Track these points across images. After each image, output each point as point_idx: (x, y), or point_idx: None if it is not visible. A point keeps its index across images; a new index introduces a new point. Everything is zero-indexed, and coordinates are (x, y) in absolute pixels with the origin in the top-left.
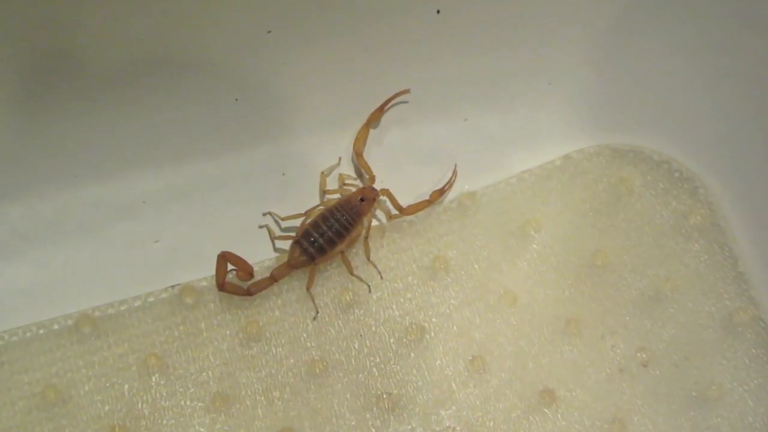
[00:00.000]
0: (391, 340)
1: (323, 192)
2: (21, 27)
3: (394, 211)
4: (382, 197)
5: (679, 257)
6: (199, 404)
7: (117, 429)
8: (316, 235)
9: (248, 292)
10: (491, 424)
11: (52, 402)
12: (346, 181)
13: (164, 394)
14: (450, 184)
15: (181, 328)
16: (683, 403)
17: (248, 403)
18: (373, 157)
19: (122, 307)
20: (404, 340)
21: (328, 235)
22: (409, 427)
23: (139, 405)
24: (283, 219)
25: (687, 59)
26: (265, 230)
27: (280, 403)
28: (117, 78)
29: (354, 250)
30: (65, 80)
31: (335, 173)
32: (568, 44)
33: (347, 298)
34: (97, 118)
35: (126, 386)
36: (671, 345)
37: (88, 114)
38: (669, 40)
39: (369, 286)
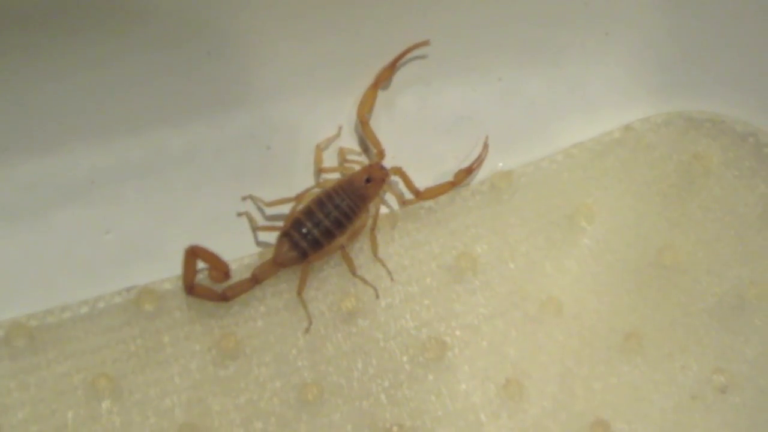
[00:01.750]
0: (404, 359)
1: (319, 171)
2: None
3: (409, 195)
4: (393, 177)
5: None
6: None
7: None
8: (309, 225)
9: (223, 297)
10: None
11: None
12: (348, 157)
13: (117, 424)
14: (479, 161)
15: (139, 342)
16: None
17: None
18: (382, 126)
19: (65, 315)
20: (420, 358)
21: (325, 225)
22: None
23: None
24: (267, 205)
25: None
26: (244, 219)
27: None
28: (51, 20)
29: (357, 245)
30: None
31: (334, 147)
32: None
33: (349, 305)
34: (30, 77)
35: (70, 414)
36: (756, 365)
37: (17, 70)
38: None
39: (376, 290)
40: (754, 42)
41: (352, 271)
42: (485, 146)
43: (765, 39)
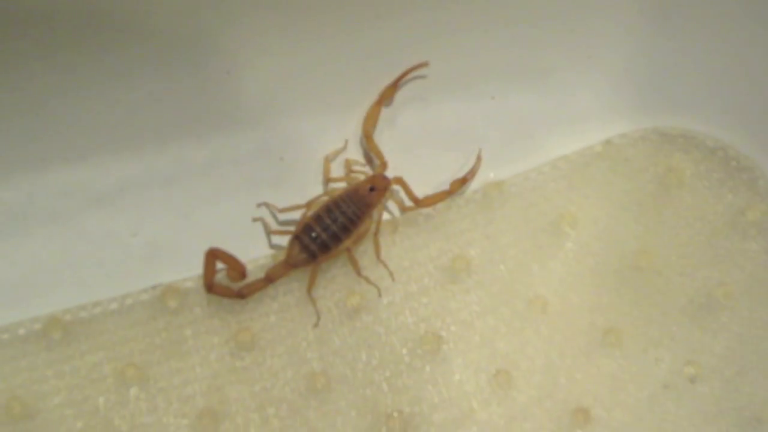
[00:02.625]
0: (404, 351)
1: (327, 180)
2: None
3: (409, 203)
4: (394, 186)
5: (734, 259)
6: (184, 421)
7: None
8: (318, 229)
9: (240, 295)
10: None
11: (18, 416)
12: (354, 168)
13: (144, 409)
14: (473, 172)
15: (164, 335)
16: (735, 425)
17: (239, 421)
18: (384, 140)
19: (96, 310)
20: (418, 351)
21: (333, 230)
22: None
23: (116, 421)
24: (280, 211)
25: (748, 30)
26: (259, 224)
27: (275, 421)
28: (85, 41)
29: (362, 248)
30: (22, 38)
31: (341, 158)
32: (611, 11)
33: (354, 302)
34: (66, 92)
35: (101, 400)
36: (723, 358)
37: (55, 86)
38: (728, 8)
39: (379, 289)
40: (722, 66)
41: (357, 272)
42: (478, 158)
43: (731, 64)
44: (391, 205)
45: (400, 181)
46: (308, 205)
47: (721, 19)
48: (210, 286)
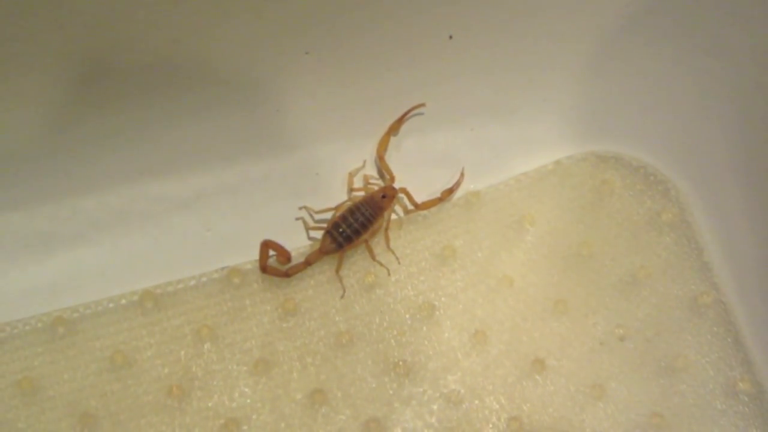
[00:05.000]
0: (407, 316)
1: (350, 190)
2: (86, 42)
3: (411, 207)
4: (400, 195)
5: (652, 248)
6: (244, 368)
7: (174, 388)
8: (344, 226)
9: (286, 274)
10: (491, 387)
11: (120, 365)
12: (370, 181)
13: (214, 359)
14: (458, 184)
15: (229, 303)
16: (654, 372)
17: (285, 367)
18: (393, 160)
19: (179, 286)
20: (417, 315)
21: (354, 227)
22: (421, 389)
23: (193, 368)
24: (316, 212)
25: (661, 83)
26: (300, 222)
27: (312, 368)
28: (172, 86)
29: (376, 240)
30: (128, 83)
31: (361, 174)
32: (560, 67)
33: (370, 279)
34: (157, 123)
35: (182, 352)
36: (644, 323)
37: (150, 119)
38: (645, 67)
39: (388, 270)
40: (643, 106)
41: (372, 257)
42: (462, 175)
43: (650, 104)
44: (398, 208)
45: (404, 190)
46: (336, 208)
47: (643, 70)
48: (264, 267)
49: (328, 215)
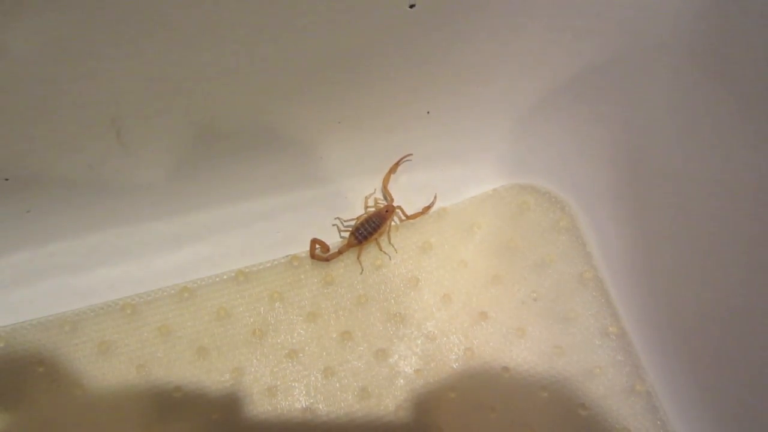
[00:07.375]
0: (401, 285)
1: (366, 207)
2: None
3: (403, 218)
4: (397, 210)
5: (554, 243)
6: (300, 318)
7: (256, 331)
8: (362, 229)
9: (327, 260)
10: (453, 330)
11: (222, 316)
12: (378, 201)
13: (281, 312)
14: (433, 203)
15: (291, 278)
16: (555, 321)
17: (325, 317)
18: (392, 188)
19: (260, 267)
20: (408, 285)
21: (369, 230)
22: (410, 331)
23: (268, 318)
24: (345, 221)
25: (561, 140)
26: (335, 227)
27: (342, 318)
28: (256, 145)
29: (382, 238)
30: (229, 148)
31: (372, 197)
32: (498, 128)
33: (378, 262)
34: (248, 166)
35: (261, 308)
36: (549, 290)
37: (244, 164)
38: (551, 130)
39: (390, 256)
40: (551, 156)
41: (380, 248)
42: (435, 198)
43: (555, 156)
44: (396, 219)
45: (399, 207)
46: (357, 218)
47: (550, 131)
48: (312, 255)
49: (352, 223)
